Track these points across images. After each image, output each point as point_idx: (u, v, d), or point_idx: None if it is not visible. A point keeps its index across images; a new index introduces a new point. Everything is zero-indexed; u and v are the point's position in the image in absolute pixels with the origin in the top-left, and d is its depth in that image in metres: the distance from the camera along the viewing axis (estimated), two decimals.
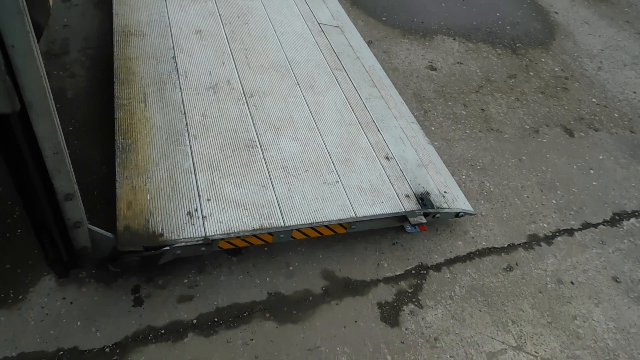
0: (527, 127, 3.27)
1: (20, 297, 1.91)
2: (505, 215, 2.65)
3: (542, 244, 2.54)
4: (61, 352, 1.79)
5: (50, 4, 1.19)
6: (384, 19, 4.05)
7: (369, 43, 3.70)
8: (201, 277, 2.08)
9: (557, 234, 2.61)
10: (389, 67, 3.49)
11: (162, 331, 1.89)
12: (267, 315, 2.01)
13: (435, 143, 2.98)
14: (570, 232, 2.63)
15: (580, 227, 2.68)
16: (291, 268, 2.19)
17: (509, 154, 3.03)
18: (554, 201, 2.79)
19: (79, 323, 1.87)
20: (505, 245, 2.50)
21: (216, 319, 1.96)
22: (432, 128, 3.10)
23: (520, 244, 2.52)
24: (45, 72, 1.15)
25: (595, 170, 3.04)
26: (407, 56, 3.66)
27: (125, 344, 1.84)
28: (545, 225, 2.64)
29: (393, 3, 4.28)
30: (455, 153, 2.95)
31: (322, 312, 2.06)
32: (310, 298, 2.10)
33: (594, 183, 2.95)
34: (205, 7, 3.21)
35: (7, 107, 1.16)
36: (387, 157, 2.49)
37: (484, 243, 2.48)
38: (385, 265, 2.28)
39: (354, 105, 2.74)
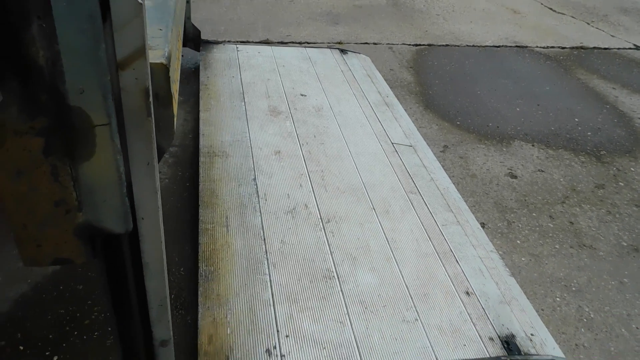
0: (625, 244, 2.99)
1: None
2: (613, 349, 2.32)
3: None
4: None
5: (174, 129, 1.23)
6: (458, 123, 4.05)
7: (445, 148, 3.67)
8: None
9: None
10: (466, 174, 3.40)
11: None
12: None
13: (523, 259, 2.77)
14: None
15: None
16: None
17: (607, 274, 2.74)
18: None
19: None
20: None
21: None
22: (518, 241, 2.90)
23: None
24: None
25: None
26: (484, 162, 3.57)
27: None
28: None
29: (467, 107, 4.30)
30: (546, 271, 2.71)
31: None
32: None
33: None
34: (284, 127, 3.32)
35: (121, 227, 1.20)
36: (467, 292, 2.32)
37: None
38: None
39: (431, 233, 2.63)
